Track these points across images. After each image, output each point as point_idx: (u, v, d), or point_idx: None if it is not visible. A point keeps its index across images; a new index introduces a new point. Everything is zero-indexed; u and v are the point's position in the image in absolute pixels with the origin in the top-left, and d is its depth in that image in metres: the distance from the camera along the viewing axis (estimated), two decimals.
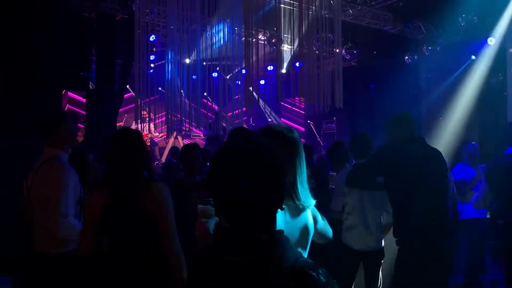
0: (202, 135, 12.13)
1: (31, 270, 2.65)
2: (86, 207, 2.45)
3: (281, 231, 1.29)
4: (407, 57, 10.64)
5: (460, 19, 9.21)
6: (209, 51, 8.21)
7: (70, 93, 11.36)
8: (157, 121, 10.27)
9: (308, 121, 13.00)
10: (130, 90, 10.52)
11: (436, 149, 3.30)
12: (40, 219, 2.60)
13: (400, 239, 3.15)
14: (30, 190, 2.66)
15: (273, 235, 1.27)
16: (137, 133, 2.54)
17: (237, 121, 8.11)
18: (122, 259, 2.26)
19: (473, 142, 5.37)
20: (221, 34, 7.72)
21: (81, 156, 3.78)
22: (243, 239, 1.24)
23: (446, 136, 9.78)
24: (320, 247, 2.13)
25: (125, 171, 2.29)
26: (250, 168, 1.25)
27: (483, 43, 9.91)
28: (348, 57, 10.87)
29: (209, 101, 11.69)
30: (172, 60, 7.50)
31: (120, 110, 9.48)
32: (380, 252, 3.73)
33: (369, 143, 3.81)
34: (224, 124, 10.75)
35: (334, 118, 12.59)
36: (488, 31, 9.72)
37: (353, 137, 4.05)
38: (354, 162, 3.92)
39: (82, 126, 9.07)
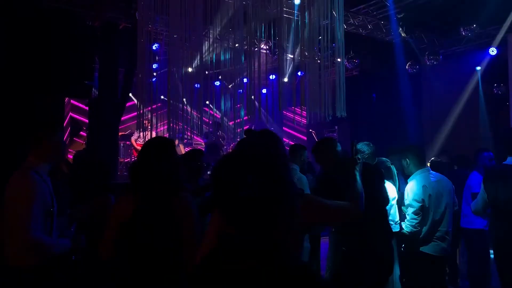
0: (203, 143, 12.14)
1: (4, 283, 2.59)
2: (111, 212, 2.45)
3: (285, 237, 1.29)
4: (408, 67, 10.68)
5: (461, 29, 9.24)
6: (211, 60, 8.25)
7: (72, 101, 11.41)
8: (159, 129, 10.28)
9: (310, 130, 13.01)
10: (133, 98, 10.55)
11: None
12: (7, 231, 2.52)
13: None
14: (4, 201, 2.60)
15: (277, 242, 1.26)
16: (169, 142, 2.58)
17: (238, 130, 8.12)
18: (145, 262, 2.27)
19: (489, 152, 5.20)
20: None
21: (103, 166, 3.83)
22: (247, 245, 1.24)
23: (448, 145, 9.78)
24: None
25: (155, 178, 2.35)
26: (256, 168, 1.27)
27: (484, 52, 9.95)
28: (349, 66, 10.91)
29: (211, 109, 11.74)
30: (175, 68, 7.52)
31: (122, 118, 9.51)
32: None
33: (372, 151, 3.82)
34: (219, 133, 10.74)
35: (336, 127, 12.59)
36: (490, 41, 9.77)
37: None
38: None
39: (85, 133, 9.08)
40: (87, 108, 9.57)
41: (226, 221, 1.29)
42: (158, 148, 2.47)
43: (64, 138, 10.07)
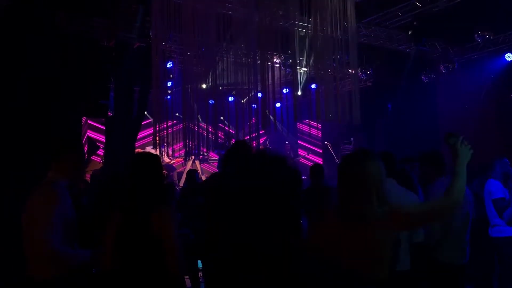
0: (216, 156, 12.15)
1: None
2: (107, 225, 2.55)
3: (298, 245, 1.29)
4: (423, 76, 10.59)
5: (475, 36, 9.15)
6: (225, 76, 8.31)
7: (89, 120, 11.57)
8: (175, 146, 10.35)
9: (326, 142, 12.94)
10: (148, 116, 10.65)
11: None
12: (28, 244, 2.58)
13: None
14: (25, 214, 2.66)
15: (290, 250, 1.27)
16: (153, 157, 2.68)
17: (254, 143, 8.12)
18: (129, 276, 2.38)
19: (505, 159, 5.12)
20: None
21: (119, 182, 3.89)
22: (259, 255, 1.25)
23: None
24: None
25: (135, 193, 2.46)
26: (267, 177, 1.27)
27: (501, 58, 9.83)
28: (363, 77, 10.87)
29: (226, 125, 11.78)
30: (189, 86, 7.60)
31: (138, 135, 9.60)
32: (408, 274, 3.61)
33: (395, 162, 3.77)
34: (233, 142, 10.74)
35: (352, 139, 12.50)
36: (505, 47, 9.66)
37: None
38: None
39: (102, 152, 9.19)
40: (103, 127, 9.68)
41: (230, 229, 1.30)
42: (136, 164, 2.58)
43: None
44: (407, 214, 2.11)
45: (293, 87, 7.50)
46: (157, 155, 2.87)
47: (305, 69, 10.30)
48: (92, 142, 11.39)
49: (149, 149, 9.92)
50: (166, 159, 9.89)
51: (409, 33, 9.36)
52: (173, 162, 11.15)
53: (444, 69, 10.21)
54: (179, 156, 11.17)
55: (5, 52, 6.22)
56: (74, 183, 2.94)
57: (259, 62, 7.18)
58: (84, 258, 2.67)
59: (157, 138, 7.69)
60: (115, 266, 2.42)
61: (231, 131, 11.71)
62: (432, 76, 10.58)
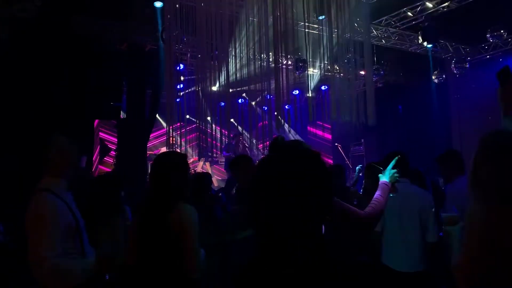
0: (223, 155, 12.14)
1: None
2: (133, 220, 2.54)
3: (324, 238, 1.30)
4: (434, 77, 10.53)
5: (488, 36, 9.10)
6: (235, 77, 8.33)
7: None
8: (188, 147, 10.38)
9: (336, 144, 12.90)
10: (159, 118, 10.69)
11: None
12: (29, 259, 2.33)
13: None
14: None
15: (319, 243, 1.27)
16: (177, 155, 2.62)
17: (267, 143, 8.13)
18: (147, 273, 2.33)
19: None
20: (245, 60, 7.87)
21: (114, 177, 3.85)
22: (290, 249, 1.24)
23: None
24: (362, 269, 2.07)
25: (156, 192, 2.40)
26: (299, 171, 1.27)
27: None
28: (374, 78, 10.83)
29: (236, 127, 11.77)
30: (201, 88, 7.63)
31: (150, 137, 9.65)
32: (423, 274, 3.58)
33: (408, 162, 3.74)
34: (240, 145, 10.72)
35: (362, 140, 12.46)
36: None
37: (390, 155, 3.90)
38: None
39: (114, 153, 9.26)
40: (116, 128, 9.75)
41: (264, 231, 1.30)
42: (156, 165, 2.49)
43: (94, 157, 10.25)
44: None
45: (308, 85, 7.50)
46: (181, 153, 2.80)
47: (316, 71, 10.29)
48: (104, 143, 11.47)
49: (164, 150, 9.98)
50: None
51: (425, 44, 9.30)
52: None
53: (456, 70, 10.14)
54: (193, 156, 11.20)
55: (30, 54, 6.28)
56: (76, 179, 2.62)
57: (271, 64, 7.20)
58: (86, 268, 2.40)
59: (172, 139, 7.71)
60: (136, 263, 2.38)
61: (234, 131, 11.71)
62: (444, 76, 10.52)
